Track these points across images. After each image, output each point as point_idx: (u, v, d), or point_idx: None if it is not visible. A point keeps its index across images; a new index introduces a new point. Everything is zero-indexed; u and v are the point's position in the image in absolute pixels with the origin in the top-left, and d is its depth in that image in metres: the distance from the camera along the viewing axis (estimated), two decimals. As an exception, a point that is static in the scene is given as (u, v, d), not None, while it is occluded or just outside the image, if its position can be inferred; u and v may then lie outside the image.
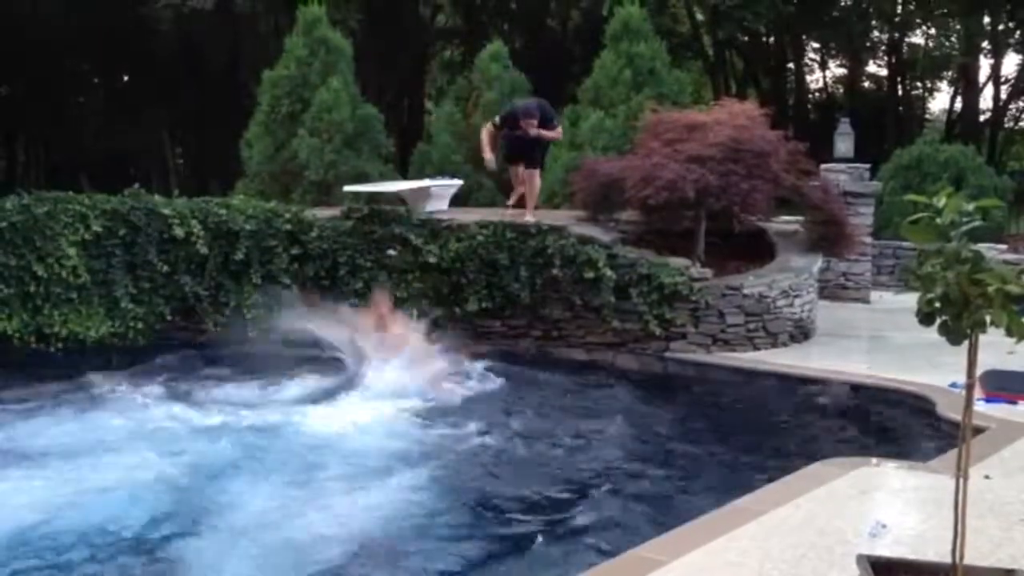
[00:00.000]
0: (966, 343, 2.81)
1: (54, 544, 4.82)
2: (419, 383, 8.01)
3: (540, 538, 4.88)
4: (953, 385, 6.89)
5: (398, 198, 10.46)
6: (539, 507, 5.53)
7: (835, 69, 30.75)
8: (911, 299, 2.92)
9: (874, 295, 12.23)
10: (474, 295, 9.64)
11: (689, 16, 24.34)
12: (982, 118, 25.72)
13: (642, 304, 9.11)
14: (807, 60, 29.18)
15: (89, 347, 9.19)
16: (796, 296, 9.40)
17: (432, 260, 9.74)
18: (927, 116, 31.16)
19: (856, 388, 7.73)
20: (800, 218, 10.45)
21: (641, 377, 8.89)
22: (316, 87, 13.33)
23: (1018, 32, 23.63)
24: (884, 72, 28.71)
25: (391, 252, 9.90)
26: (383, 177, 12.67)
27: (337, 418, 7.23)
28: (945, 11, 23.62)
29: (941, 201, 2.85)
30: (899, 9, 24.51)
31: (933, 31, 26.91)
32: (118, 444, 6.50)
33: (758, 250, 10.09)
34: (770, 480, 5.06)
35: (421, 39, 25.51)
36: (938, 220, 2.83)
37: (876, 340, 9.70)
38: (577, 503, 5.54)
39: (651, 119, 10.17)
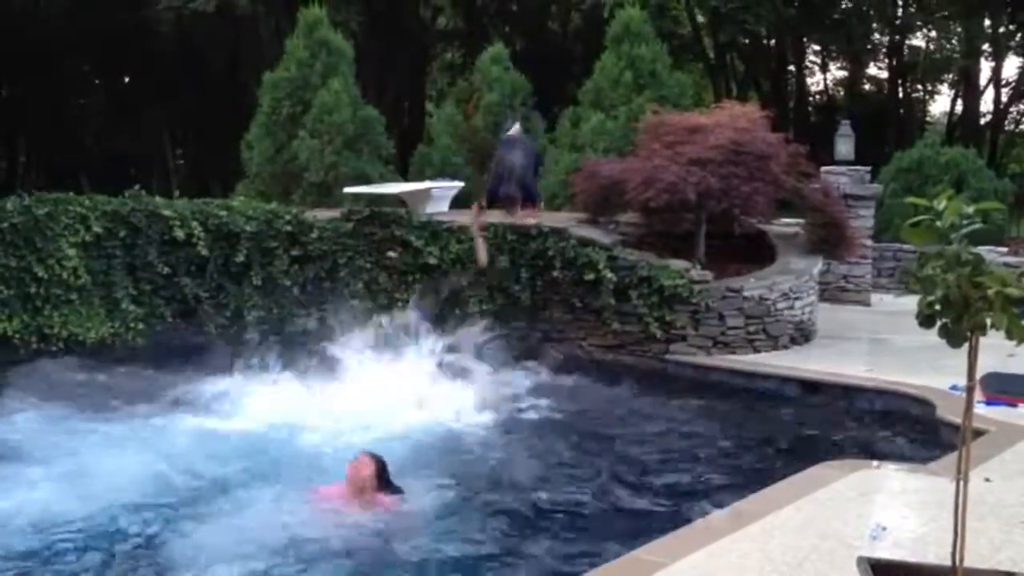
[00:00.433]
0: (966, 346, 2.81)
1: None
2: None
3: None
4: (953, 388, 6.89)
5: (399, 200, 10.46)
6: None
7: (836, 72, 30.74)
8: (911, 301, 2.92)
9: (874, 297, 12.22)
10: (474, 298, 9.64)
11: (690, 18, 24.31)
12: (983, 121, 25.67)
13: (642, 306, 9.11)
14: (808, 63, 29.14)
15: (89, 347, 9.18)
16: (796, 298, 9.40)
17: (433, 262, 9.74)
18: (928, 119, 31.07)
19: (855, 390, 7.74)
20: (801, 220, 10.46)
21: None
22: (317, 89, 13.35)
23: (1019, 35, 23.57)
24: (885, 75, 28.67)
25: (391, 254, 9.91)
26: (383, 179, 12.68)
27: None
28: (946, 14, 23.57)
29: (941, 204, 2.85)
30: (900, 12, 24.51)
31: (934, 34, 26.86)
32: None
33: (759, 252, 10.09)
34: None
35: (422, 41, 25.53)
36: (938, 223, 2.83)
37: (876, 343, 9.70)
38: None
39: (652, 121, 10.18)
